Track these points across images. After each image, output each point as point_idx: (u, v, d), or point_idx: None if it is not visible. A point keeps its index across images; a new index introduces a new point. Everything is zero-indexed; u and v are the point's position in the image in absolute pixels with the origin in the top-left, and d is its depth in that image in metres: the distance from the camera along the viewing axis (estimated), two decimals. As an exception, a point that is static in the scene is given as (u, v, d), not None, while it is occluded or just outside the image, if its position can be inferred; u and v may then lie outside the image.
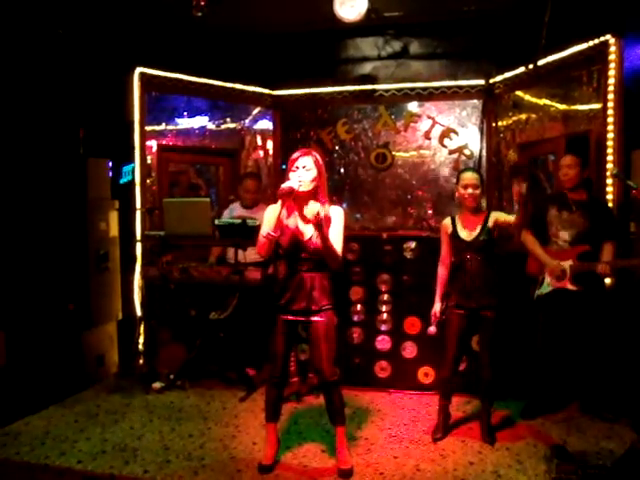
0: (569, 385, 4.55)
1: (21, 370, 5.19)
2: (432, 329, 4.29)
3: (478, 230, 4.07)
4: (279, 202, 3.44)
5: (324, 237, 3.38)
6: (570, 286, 4.28)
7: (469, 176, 4.08)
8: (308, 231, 3.51)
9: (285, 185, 3.38)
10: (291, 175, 3.48)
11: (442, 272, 4.24)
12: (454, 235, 4.13)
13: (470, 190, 4.04)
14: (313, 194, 3.54)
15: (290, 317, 3.60)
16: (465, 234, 4.09)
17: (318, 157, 3.57)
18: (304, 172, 3.47)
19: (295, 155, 3.53)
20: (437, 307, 4.22)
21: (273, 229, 3.43)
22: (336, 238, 3.51)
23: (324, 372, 3.60)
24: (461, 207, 4.20)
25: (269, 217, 3.54)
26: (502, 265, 4.15)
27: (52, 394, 4.98)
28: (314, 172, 3.50)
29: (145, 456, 3.93)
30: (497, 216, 4.12)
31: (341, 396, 3.68)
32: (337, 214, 3.57)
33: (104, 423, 4.52)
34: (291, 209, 3.54)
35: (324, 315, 3.58)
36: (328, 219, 3.49)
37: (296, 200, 3.52)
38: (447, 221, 4.23)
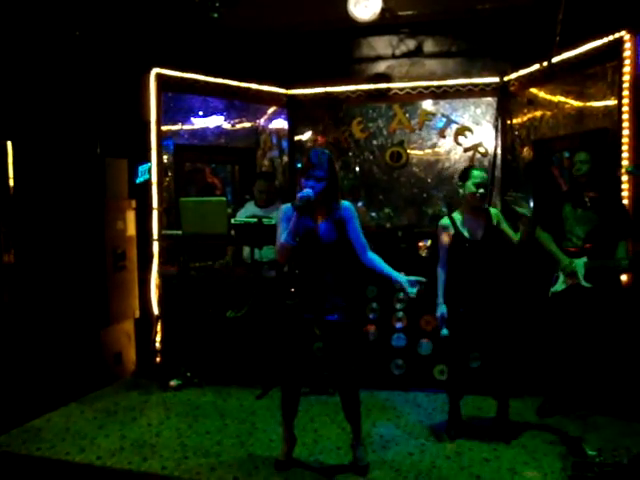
0: (585, 383, 4.54)
1: (41, 367, 5.27)
2: (445, 332, 4.14)
3: (484, 229, 4.04)
4: (295, 211, 3.43)
5: None
6: (585, 283, 4.27)
7: (482, 175, 4.04)
8: (321, 229, 3.53)
9: (303, 195, 3.39)
10: (305, 182, 3.46)
11: (443, 274, 4.14)
12: (458, 236, 4.05)
13: (482, 190, 4.00)
14: (325, 194, 3.53)
15: (305, 316, 3.60)
16: (470, 234, 4.04)
17: (332, 163, 3.54)
18: (316, 183, 3.46)
19: (310, 162, 3.49)
20: (444, 309, 4.07)
21: (292, 238, 3.44)
22: (359, 231, 3.57)
23: (342, 371, 3.61)
24: (465, 206, 4.12)
25: (284, 223, 3.53)
26: (516, 262, 4.13)
27: (71, 391, 5.06)
28: (326, 180, 3.48)
29: (163, 453, 3.98)
30: (501, 221, 4.08)
31: (358, 395, 3.69)
32: (351, 210, 3.58)
33: (122, 420, 4.58)
34: None
35: (340, 314, 3.57)
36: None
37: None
38: (446, 222, 4.12)
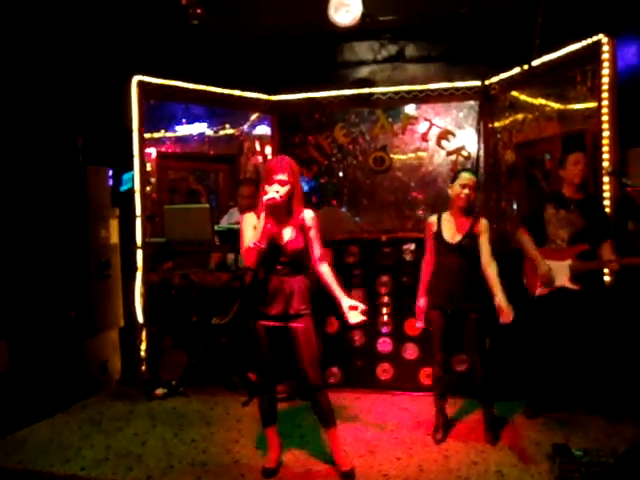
0: (571, 384, 4.56)
1: (25, 378, 5.21)
2: (420, 324, 4.31)
3: (463, 233, 4.06)
4: (262, 214, 3.43)
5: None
6: (570, 285, 4.30)
7: (468, 176, 4.07)
8: (285, 235, 3.54)
9: (269, 197, 3.39)
10: (268, 188, 3.45)
11: (426, 269, 4.22)
12: (438, 235, 4.11)
13: (466, 191, 4.02)
14: (289, 199, 3.53)
15: (269, 322, 3.59)
16: (449, 236, 4.08)
17: (293, 168, 3.54)
18: (280, 187, 3.45)
19: (271, 168, 3.51)
20: (422, 302, 4.22)
21: (259, 240, 3.43)
22: (318, 241, 3.61)
23: (308, 377, 3.60)
24: (451, 206, 4.16)
25: (249, 229, 3.53)
26: (502, 264, 4.14)
27: (56, 401, 5.00)
28: (289, 185, 3.49)
29: (148, 462, 3.94)
30: (483, 233, 4.07)
31: (328, 398, 3.68)
32: (312, 218, 3.61)
33: (108, 430, 4.54)
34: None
35: (302, 321, 3.57)
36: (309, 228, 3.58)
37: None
38: (433, 219, 4.19)
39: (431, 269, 4.20)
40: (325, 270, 3.62)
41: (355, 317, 3.48)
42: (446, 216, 4.17)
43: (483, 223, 4.08)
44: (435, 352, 4.18)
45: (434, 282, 4.16)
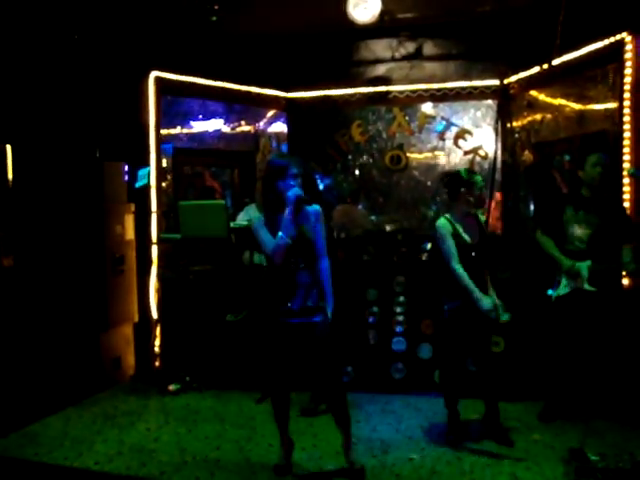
0: (587, 387, 4.51)
1: (39, 371, 5.24)
2: (506, 316, 4.05)
3: (479, 232, 4.08)
4: (287, 209, 3.43)
5: None
6: (588, 287, 4.25)
7: (481, 180, 4.10)
8: (303, 228, 3.54)
9: (296, 193, 3.41)
10: (285, 184, 3.46)
11: (461, 268, 3.99)
12: (457, 240, 4.04)
13: (478, 193, 4.07)
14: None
15: (291, 319, 3.55)
16: (468, 237, 4.06)
17: (303, 162, 3.60)
18: (296, 181, 3.48)
19: (282, 163, 3.53)
20: (489, 300, 3.94)
21: (288, 236, 3.42)
22: (322, 236, 3.61)
23: (324, 374, 3.59)
24: (459, 209, 4.11)
25: (264, 229, 3.53)
26: (516, 266, 4.12)
27: (70, 396, 5.03)
28: (301, 178, 3.52)
29: (161, 457, 3.95)
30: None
31: (345, 398, 3.65)
32: (320, 213, 3.63)
33: (121, 424, 4.55)
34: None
35: (324, 315, 3.56)
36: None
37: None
38: (445, 222, 4.10)
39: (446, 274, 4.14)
40: (322, 267, 3.61)
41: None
42: (455, 219, 4.12)
43: (483, 219, 4.20)
44: (450, 353, 4.15)
45: (453, 284, 4.07)
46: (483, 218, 4.23)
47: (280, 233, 3.44)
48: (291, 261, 3.52)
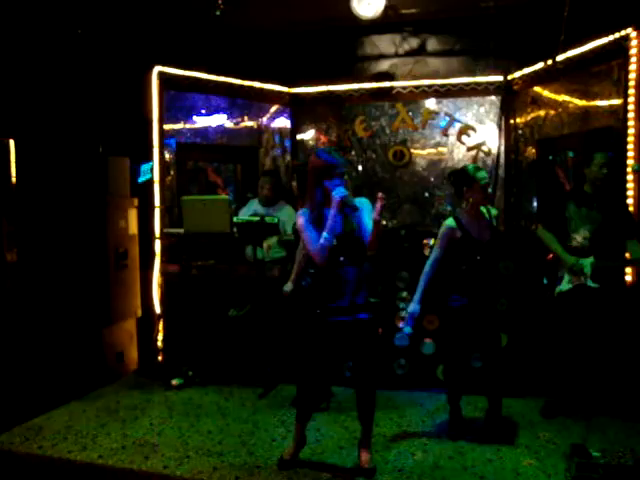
0: (589, 383, 4.51)
1: (42, 365, 5.26)
2: (408, 330, 4.11)
3: (490, 230, 4.05)
4: (333, 210, 3.40)
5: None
6: (591, 283, 4.25)
7: (487, 176, 4.06)
8: (345, 224, 3.51)
9: (343, 194, 3.38)
10: (333, 183, 3.43)
11: (430, 272, 4.06)
12: (466, 238, 4.00)
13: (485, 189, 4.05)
14: None
15: (338, 317, 3.50)
16: (477, 235, 4.02)
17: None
18: (342, 180, 3.46)
19: (331, 161, 3.47)
20: (418, 309, 4.02)
21: (333, 237, 3.41)
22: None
23: (362, 370, 3.58)
24: (467, 207, 4.08)
25: (310, 226, 3.48)
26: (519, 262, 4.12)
27: (73, 390, 5.05)
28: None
29: (164, 452, 3.97)
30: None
31: (375, 395, 3.65)
32: (366, 203, 3.63)
33: (124, 419, 4.57)
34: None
35: (370, 311, 3.54)
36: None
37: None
38: (452, 223, 4.05)
39: (450, 272, 4.13)
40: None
41: None
42: (464, 217, 4.09)
43: (494, 213, 4.16)
44: (453, 349, 4.16)
45: (463, 284, 4.06)
46: (495, 212, 4.16)
47: (325, 234, 3.40)
48: (337, 259, 3.48)
